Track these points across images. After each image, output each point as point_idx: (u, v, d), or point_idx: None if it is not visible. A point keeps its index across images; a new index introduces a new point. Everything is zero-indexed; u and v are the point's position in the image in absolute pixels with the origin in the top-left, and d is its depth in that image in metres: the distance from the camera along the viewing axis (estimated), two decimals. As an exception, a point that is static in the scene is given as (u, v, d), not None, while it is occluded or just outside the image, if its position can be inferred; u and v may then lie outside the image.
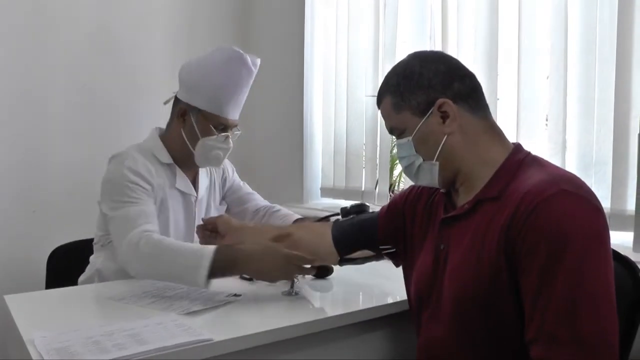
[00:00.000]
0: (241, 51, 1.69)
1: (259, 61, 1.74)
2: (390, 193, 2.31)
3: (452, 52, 1.93)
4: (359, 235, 1.40)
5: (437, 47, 2.02)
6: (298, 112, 2.66)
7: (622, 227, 1.48)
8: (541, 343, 0.92)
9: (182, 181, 1.76)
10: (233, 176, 2.01)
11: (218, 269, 1.38)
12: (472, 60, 1.86)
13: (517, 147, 1.15)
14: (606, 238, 0.95)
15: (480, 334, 1.04)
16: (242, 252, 1.41)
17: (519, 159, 1.10)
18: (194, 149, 1.70)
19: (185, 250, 1.42)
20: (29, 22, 2.42)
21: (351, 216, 1.45)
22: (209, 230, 1.54)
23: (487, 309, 1.02)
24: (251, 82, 1.75)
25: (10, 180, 2.39)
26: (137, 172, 1.61)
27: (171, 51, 2.72)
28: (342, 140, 2.44)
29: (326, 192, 2.60)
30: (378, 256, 1.42)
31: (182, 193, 1.76)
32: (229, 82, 1.68)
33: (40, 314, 1.34)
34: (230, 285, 1.52)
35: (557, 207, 0.94)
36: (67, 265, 1.85)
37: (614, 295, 0.92)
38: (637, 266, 1.15)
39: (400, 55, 2.16)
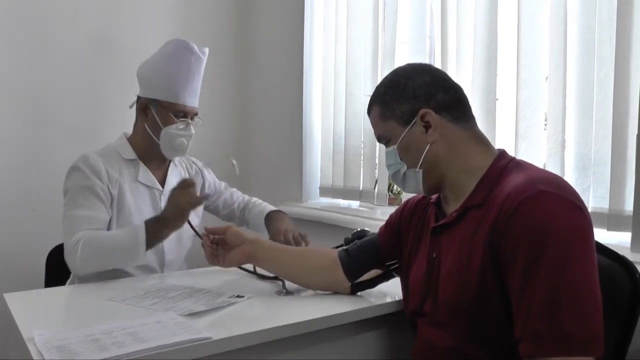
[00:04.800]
0: (188, 41, 1.81)
1: (206, 50, 1.86)
2: (389, 193, 2.31)
3: (451, 52, 1.93)
4: (365, 256, 1.42)
5: (436, 48, 2.02)
6: (297, 112, 2.66)
7: (620, 228, 1.48)
8: (527, 341, 0.94)
9: (145, 175, 1.83)
10: (213, 180, 2.08)
11: (154, 239, 1.61)
12: (471, 61, 1.86)
13: (501, 153, 1.18)
14: (587, 235, 0.97)
15: (474, 337, 1.07)
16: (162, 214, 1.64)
17: (502, 165, 1.13)
18: (159, 140, 1.79)
19: (118, 237, 1.61)
20: (29, 25, 2.43)
21: (354, 242, 1.47)
22: (216, 244, 1.53)
23: (479, 312, 1.05)
24: (202, 69, 1.86)
25: (10, 179, 2.39)
26: (89, 164, 1.72)
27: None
28: (341, 139, 2.44)
29: (325, 191, 2.61)
30: (387, 274, 1.44)
31: (147, 187, 1.83)
32: (180, 70, 1.78)
33: (40, 312, 1.35)
34: (234, 286, 1.53)
35: (536, 208, 0.97)
36: (66, 264, 1.85)
37: (598, 290, 0.94)
38: (634, 266, 1.15)
39: (399, 55, 2.18)
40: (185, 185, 1.63)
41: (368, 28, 2.30)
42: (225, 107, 3.06)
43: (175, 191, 1.64)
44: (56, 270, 1.91)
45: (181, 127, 1.79)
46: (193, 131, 1.83)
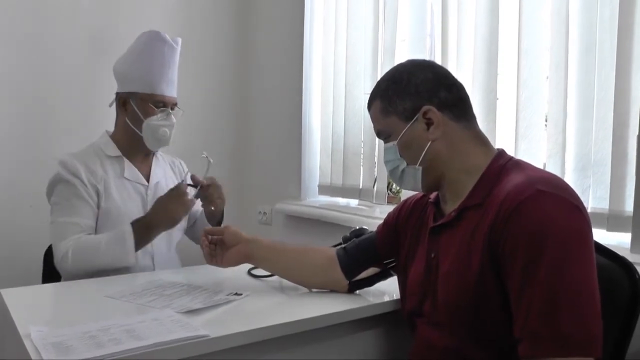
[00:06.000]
0: (160, 31, 1.82)
1: (179, 40, 1.87)
2: (388, 191, 2.31)
3: (451, 51, 1.92)
4: (362, 254, 1.42)
5: (437, 47, 2.01)
6: (297, 110, 2.65)
7: (620, 228, 1.48)
8: (526, 341, 0.94)
9: (130, 171, 1.84)
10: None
11: (142, 241, 1.66)
12: (471, 60, 1.85)
13: (500, 153, 1.17)
14: (586, 235, 0.97)
15: (473, 337, 1.07)
16: (149, 216, 1.68)
17: (500, 165, 1.12)
18: (142, 133, 1.80)
19: (107, 242, 1.63)
20: (30, 24, 2.42)
21: (352, 240, 1.46)
22: (214, 244, 1.53)
23: (478, 313, 1.04)
24: (176, 58, 1.86)
25: (8, 175, 2.38)
26: (68, 168, 1.73)
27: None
28: (340, 138, 2.44)
29: (324, 189, 2.60)
30: (385, 273, 1.44)
31: (133, 182, 1.83)
32: (154, 60, 1.80)
33: (37, 308, 1.34)
34: (232, 284, 1.52)
35: (535, 208, 0.97)
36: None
37: (597, 290, 0.94)
38: (634, 267, 1.15)
39: (400, 53, 2.17)
40: (179, 192, 1.68)
41: (368, 26, 2.29)
42: (225, 105, 3.05)
43: (167, 197, 1.68)
44: (54, 267, 1.91)
45: (162, 117, 1.79)
46: (174, 120, 1.83)
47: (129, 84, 1.81)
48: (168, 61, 1.82)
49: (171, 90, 1.84)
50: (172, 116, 1.83)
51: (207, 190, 1.78)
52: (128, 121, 1.81)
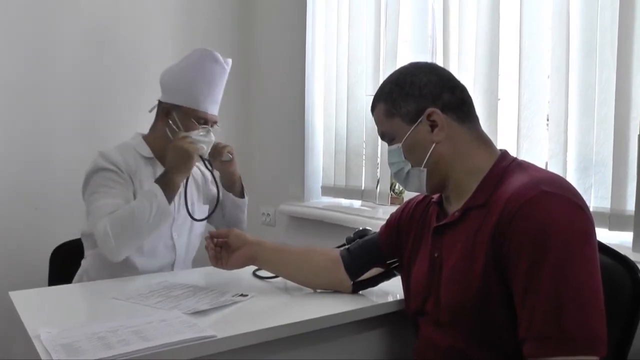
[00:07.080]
0: (213, 51, 1.84)
1: (230, 61, 1.89)
2: (391, 192, 2.32)
3: (453, 52, 1.93)
4: (365, 255, 1.44)
5: (438, 47, 2.02)
6: (299, 111, 2.66)
7: (621, 227, 1.48)
8: (530, 341, 0.95)
9: None
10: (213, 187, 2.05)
11: (169, 192, 1.68)
12: (473, 60, 1.86)
13: (503, 154, 1.18)
14: (590, 235, 0.98)
15: (477, 337, 1.08)
16: (166, 167, 1.72)
17: (504, 166, 1.14)
18: None
19: (139, 203, 1.63)
20: (29, 19, 2.42)
21: (356, 241, 1.48)
22: (220, 247, 1.54)
23: (481, 313, 1.05)
24: (225, 79, 1.88)
25: (13, 177, 2.39)
26: (107, 158, 1.75)
27: (172, 50, 2.71)
28: (343, 139, 2.45)
29: (327, 190, 2.61)
30: (388, 273, 1.45)
31: None
32: (203, 78, 1.81)
33: (46, 310, 1.35)
34: (238, 285, 1.53)
35: (538, 208, 0.98)
36: (70, 263, 1.86)
37: (601, 289, 0.95)
38: (636, 266, 1.16)
39: (401, 54, 2.18)
40: (179, 136, 1.75)
41: (370, 27, 2.30)
42: (228, 106, 3.03)
43: (174, 141, 1.74)
44: (60, 269, 1.93)
45: (202, 133, 1.80)
46: (213, 138, 1.85)
47: (175, 96, 1.82)
48: (217, 81, 1.84)
49: (214, 109, 1.86)
50: (212, 134, 1.84)
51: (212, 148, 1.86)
52: (168, 131, 1.81)
